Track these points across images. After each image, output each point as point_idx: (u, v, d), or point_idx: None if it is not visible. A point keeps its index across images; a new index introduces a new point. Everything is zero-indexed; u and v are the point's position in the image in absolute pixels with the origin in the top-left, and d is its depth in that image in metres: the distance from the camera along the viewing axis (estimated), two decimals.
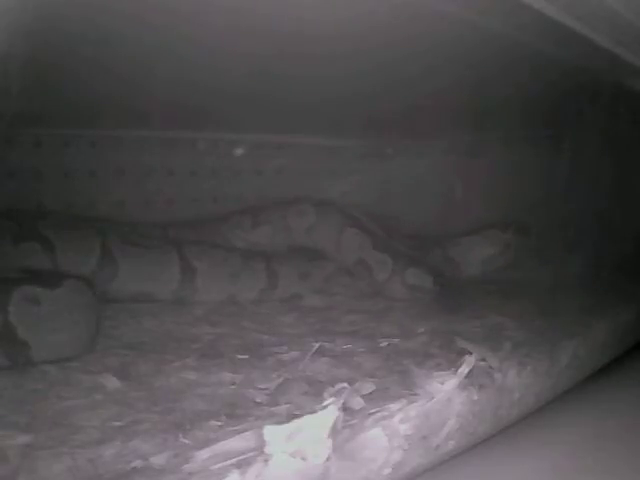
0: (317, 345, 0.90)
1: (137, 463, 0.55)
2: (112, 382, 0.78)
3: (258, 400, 0.73)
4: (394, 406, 0.67)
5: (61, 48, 0.81)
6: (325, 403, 0.59)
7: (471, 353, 0.78)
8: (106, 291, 1.18)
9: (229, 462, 0.54)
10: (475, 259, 1.49)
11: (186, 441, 0.60)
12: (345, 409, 0.63)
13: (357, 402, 0.68)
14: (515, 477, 0.77)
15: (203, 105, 1.24)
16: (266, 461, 0.53)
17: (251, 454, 0.55)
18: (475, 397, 0.74)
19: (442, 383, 0.72)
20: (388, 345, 0.95)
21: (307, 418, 0.57)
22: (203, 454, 0.56)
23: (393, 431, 0.63)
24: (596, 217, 1.39)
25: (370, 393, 0.72)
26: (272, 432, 0.55)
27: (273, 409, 0.69)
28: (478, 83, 1.12)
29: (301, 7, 0.73)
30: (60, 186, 1.43)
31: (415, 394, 0.70)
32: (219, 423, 0.65)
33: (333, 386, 0.70)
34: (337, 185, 1.83)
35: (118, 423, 0.65)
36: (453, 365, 0.76)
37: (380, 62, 0.97)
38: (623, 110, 1.20)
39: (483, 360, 0.79)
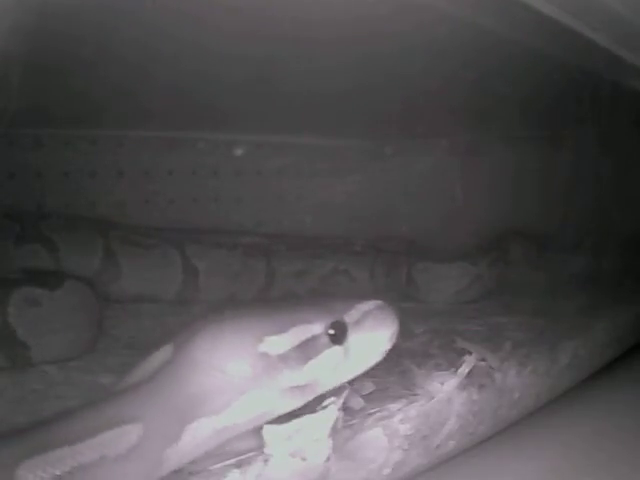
0: None
1: None
2: (112, 382, 0.78)
3: None
4: (394, 406, 0.67)
5: (61, 48, 0.81)
6: (325, 403, 0.59)
7: (471, 353, 0.78)
8: (109, 292, 1.18)
9: (229, 462, 0.54)
10: (439, 289, 1.38)
11: None
12: (345, 409, 0.63)
13: (357, 402, 0.68)
14: (515, 477, 0.76)
15: (203, 105, 1.24)
16: (266, 461, 0.53)
17: (251, 454, 0.55)
18: (475, 397, 0.74)
19: (442, 383, 0.72)
20: None
21: (307, 418, 0.56)
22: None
23: (393, 431, 0.63)
24: (596, 217, 1.39)
25: (370, 393, 0.72)
26: (272, 432, 0.55)
27: None
28: (478, 83, 1.12)
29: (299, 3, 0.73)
30: (60, 186, 1.43)
31: (415, 394, 0.70)
32: None
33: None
34: (337, 185, 1.83)
35: None
36: (453, 365, 0.76)
37: (379, 61, 0.97)
38: (623, 110, 1.19)
39: (483, 360, 0.79)
